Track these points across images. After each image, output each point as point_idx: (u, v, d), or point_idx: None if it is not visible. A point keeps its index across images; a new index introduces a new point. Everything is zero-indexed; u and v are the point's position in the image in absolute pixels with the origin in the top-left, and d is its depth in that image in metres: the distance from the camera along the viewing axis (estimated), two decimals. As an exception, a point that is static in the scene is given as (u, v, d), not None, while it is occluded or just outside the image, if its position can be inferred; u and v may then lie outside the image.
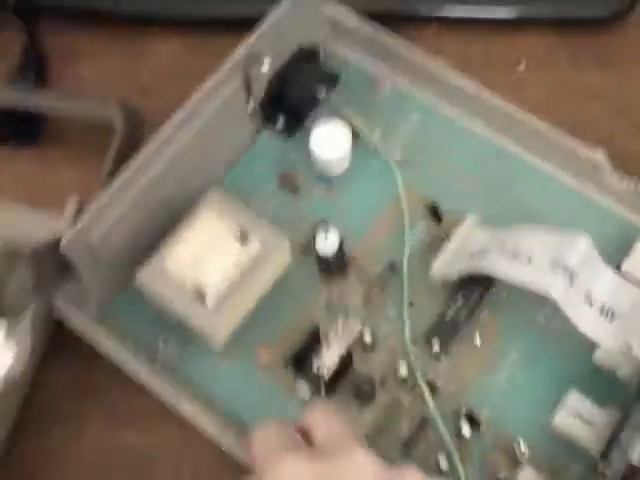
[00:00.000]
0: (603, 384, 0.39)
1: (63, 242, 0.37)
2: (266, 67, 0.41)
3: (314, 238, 0.42)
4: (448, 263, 0.42)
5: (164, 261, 0.40)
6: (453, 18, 0.52)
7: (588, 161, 0.44)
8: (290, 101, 0.46)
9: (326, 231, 0.41)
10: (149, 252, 0.41)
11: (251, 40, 0.41)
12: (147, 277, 0.40)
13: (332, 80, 0.48)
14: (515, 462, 0.38)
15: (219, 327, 0.39)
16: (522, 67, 0.52)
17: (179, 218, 0.42)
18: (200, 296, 0.40)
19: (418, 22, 0.52)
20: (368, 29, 0.48)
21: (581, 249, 0.37)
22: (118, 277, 0.42)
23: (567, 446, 0.38)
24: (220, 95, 0.42)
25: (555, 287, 0.37)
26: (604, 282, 0.38)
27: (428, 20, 0.52)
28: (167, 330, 0.42)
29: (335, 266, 0.42)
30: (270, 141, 0.47)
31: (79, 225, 0.38)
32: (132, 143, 0.46)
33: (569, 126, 0.45)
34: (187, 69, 0.51)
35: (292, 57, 0.46)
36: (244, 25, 0.43)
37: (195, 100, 0.40)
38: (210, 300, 0.39)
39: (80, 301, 0.42)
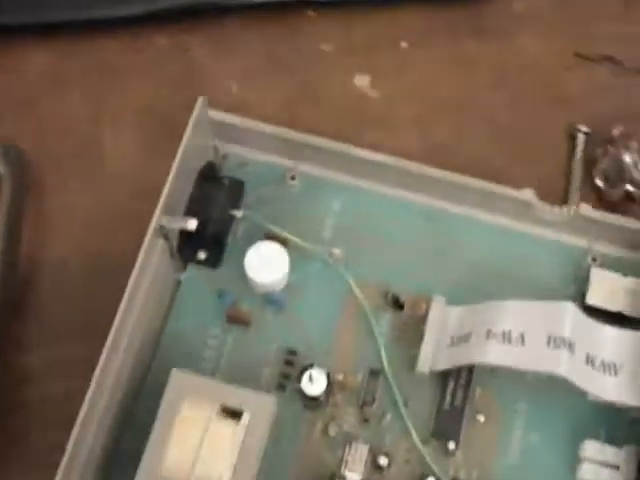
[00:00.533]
0: (610, 421, 0.40)
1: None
2: (193, 224, 0.37)
3: (297, 380, 0.39)
4: (432, 354, 0.41)
5: (156, 469, 0.36)
6: (327, 1, 0.50)
7: (518, 202, 0.44)
8: (207, 232, 0.42)
9: (310, 375, 0.38)
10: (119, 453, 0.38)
11: (161, 205, 0.37)
12: (142, 492, 0.36)
13: (239, 189, 0.45)
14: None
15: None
16: (405, 45, 0.50)
17: (140, 405, 0.40)
18: (206, 492, 0.36)
19: (293, 10, 0.50)
20: (258, 125, 0.44)
21: (570, 316, 0.37)
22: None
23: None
24: (148, 269, 0.38)
25: (560, 363, 0.37)
26: (599, 339, 0.38)
27: (301, 7, 0.50)
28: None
29: (324, 401, 0.40)
30: (199, 278, 0.44)
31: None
32: (20, 187, 0.44)
33: (455, 104, 0.46)
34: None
35: (195, 186, 0.42)
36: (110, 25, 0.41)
37: (128, 294, 0.36)
38: (223, 493, 0.36)
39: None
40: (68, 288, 0.45)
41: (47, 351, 0.44)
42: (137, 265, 0.36)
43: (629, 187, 0.46)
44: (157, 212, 0.37)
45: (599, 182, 0.47)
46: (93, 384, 0.34)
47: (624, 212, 0.45)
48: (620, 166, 0.46)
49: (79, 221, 0.47)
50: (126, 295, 0.36)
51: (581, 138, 0.48)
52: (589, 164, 0.48)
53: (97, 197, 0.47)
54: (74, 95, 0.50)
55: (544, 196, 0.44)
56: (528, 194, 0.43)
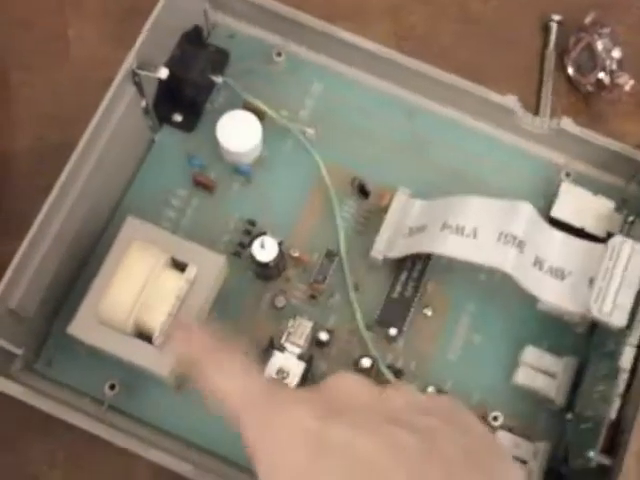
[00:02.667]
0: (555, 333, 0.41)
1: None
2: (164, 73, 0.37)
3: (250, 245, 0.39)
4: (387, 242, 0.41)
5: (96, 306, 0.37)
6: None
7: (500, 107, 0.43)
8: (184, 93, 0.42)
9: (262, 242, 0.38)
10: (74, 294, 0.39)
11: (137, 47, 0.37)
12: (80, 327, 0.37)
13: (223, 58, 0.44)
14: (489, 428, 0.39)
15: (171, 363, 0.37)
16: None
17: (97, 251, 0.40)
18: (142, 335, 0.37)
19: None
20: (250, -5, 0.44)
21: (525, 217, 0.37)
22: (45, 326, 0.39)
23: (533, 399, 0.40)
24: (116, 112, 0.38)
25: (507, 260, 0.37)
26: (551, 244, 0.38)
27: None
28: (110, 374, 0.39)
29: (274, 270, 0.40)
30: (173, 140, 0.44)
31: (-4, 296, 0.34)
32: None
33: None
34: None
35: (178, 46, 0.42)
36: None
37: (91, 129, 0.36)
38: (157, 339, 0.36)
39: (2, 360, 0.38)
40: (36, 177, 0.44)
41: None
42: (102, 105, 0.36)
43: (601, 74, 0.45)
44: (130, 55, 0.37)
45: (571, 71, 0.47)
46: (41, 215, 0.35)
47: (596, 100, 0.46)
48: (592, 53, 0.46)
49: (44, 112, 0.46)
50: (87, 131, 0.36)
51: (554, 27, 0.48)
52: (562, 54, 0.47)
53: (63, 88, 0.46)
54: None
55: (518, 89, 0.44)
56: (511, 101, 0.43)
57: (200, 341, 0.29)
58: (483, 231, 0.37)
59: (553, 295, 0.37)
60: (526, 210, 0.37)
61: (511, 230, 0.37)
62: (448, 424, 0.26)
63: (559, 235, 0.38)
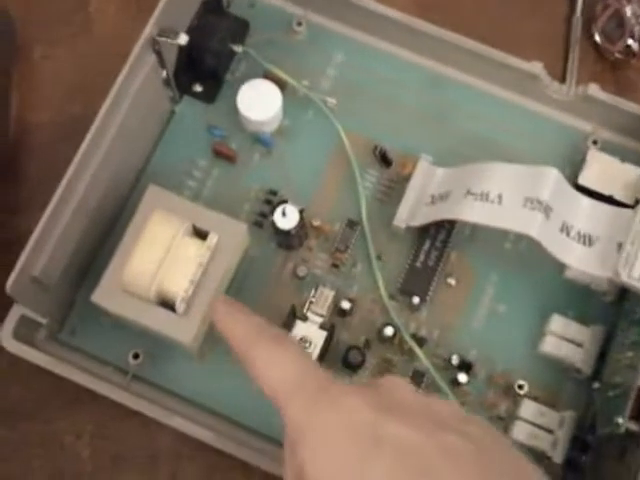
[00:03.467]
0: (582, 302, 0.40)
1: (8, 284, 0.34)
2: (184, 39, 0.37)
3: (271, 214, 0.39)
4: (410, 210, 0.40)
5: (119, 275, 0.37)
6: None
7: (525, 73, 0.42)
8: (205, 63, 0.42)
9: (284, 209, 0.38)
10: (98, 263, 0.39)
11: (157, 14, 0.37)
12: (104, 295, 0.37)
13: (243, 28, 0.44)
14: (514, 397, 0.39)
15: (193, 331, 0.37)
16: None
17: (120, 221, 0.40)
18: (166, 303, 0.37)
19: None
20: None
21: (552, 181, 0.37)
22: (68, 296, 0.39)
23: (558, 368, 0.39)
24: (136, 81, 0.38)
25: (533, 225, 0.36)
26: (578, 209, 0.37)
27: None
28: (133, 343, 0.39)
29: (296, 239, 0.40)
30: (193, 111, 0.44)
31: (19, 265, 0.34)
32: (6, 49, 0.44)
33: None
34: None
35: (197, 14, 0.42)
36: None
37: (112, 97, 0.36)
38: (179, 306, 0.36)
39: (27, 330, 0.38)
40: (58, 149, 0.44)
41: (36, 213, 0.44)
42: (122, 73, 0.36)
43: (630, 41, 0.45)
44: (149, 23, 0.37)
45: (599, 38, 0.46)
46: (63, 183, 0.35)
47: (624, 68, 0.45)
48: (621, 20, 0.45)
49: (67, 85, 0.46)
50: (108, 99, 0.36)
51: None
52: (589, 21, 0.46)
53: (85, 61, 0.46)
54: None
55: (543, 57, 0.43)
56: (537, 67, 0.42)
57: (249, 323, 0.29)
58: (508, 197, 0.37)
59: (580, 261, 0.36)
60: (552, 175, 0.37)
61: (537, 195, 0.36)
62: (489, 435, 0.26)
63: (586, 200, 0.38)
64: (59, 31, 0.47)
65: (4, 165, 0.45)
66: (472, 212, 0.37)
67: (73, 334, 0.40)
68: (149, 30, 0.37)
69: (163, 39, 0.37)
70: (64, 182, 0.35)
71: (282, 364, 0.28)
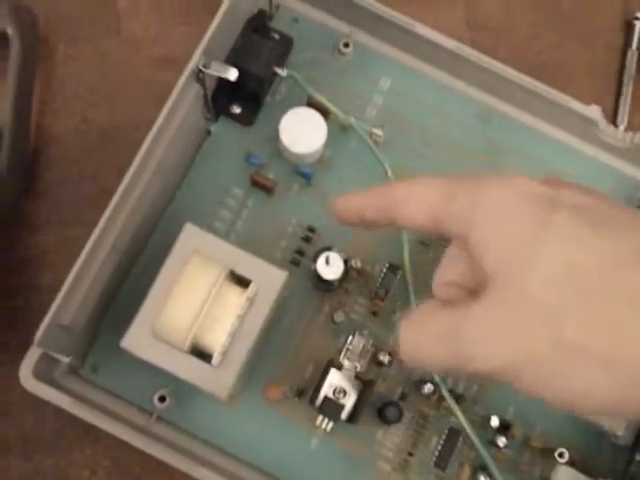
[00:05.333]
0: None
1: (37, 338, 0.32)
2: (234, 75, 0.34)
3: (314, 260, 0.37)
4: (455, 260, 0.38)
5: (153, 321, 0.35)
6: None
7: (583, 117, 0.40)
8: (246, 86, 0.39)
9: (327, 257, 0.36)
10: (121, 297, 0.37)
11: (203, 46, 0.34)
12: (134, 341, 0.35)
13: (286, 45, 0.41)
14: (549, 459, 0.38)
15: (229, 384, 0.35)
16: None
17: (145, 253, 0.38)
18: (199, 352, 0.35)
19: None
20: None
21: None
22: (91, 332, 0.38)
23: (597, 433, 0.38)
24: (179, 113, 0.35)
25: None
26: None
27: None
28: (158, 383, 0.37)
29: (337, 286, 0.38)
30: (230, 134, 0.41)
31: (48, 317, 0.32)
32: (30, 49, 0.41)
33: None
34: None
35: (241, 34, 0.39)
36: None
37: (153, 133, 0.34)
38: (216, 358, 0.35)
39: (47, 366, 0.36)
40: (80, 162, 0.42)
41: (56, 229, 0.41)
42: (168, 104, 0.33)
43: None
44: (197, 52, 0.34)
45: None
46: (99, 226, 0.32)
47: None
48: None
49: (91, 90, 0.43)
50: (151, 134, 0.33)
51: (638, 26, 0.44)
52: None
53: (112, 65, 0.43)
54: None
55: (594, 88, 0.41)
56: (595, 111, 0.40)
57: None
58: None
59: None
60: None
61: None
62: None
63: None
64: (85, 30, 0.44)
65: (23, 176, 0.42)
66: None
67: (95, 371, 0.38)
68: (196, 61, 0.34)
69: (211, 72, 0.34)
70: (100, 225, 0.33)
71: (427, 184, 0.27)
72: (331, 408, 0.37)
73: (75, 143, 0.43)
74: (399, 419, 0.38)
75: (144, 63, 0.43)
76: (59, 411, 0.37)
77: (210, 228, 0.39)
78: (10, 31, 0.40)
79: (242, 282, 0.36)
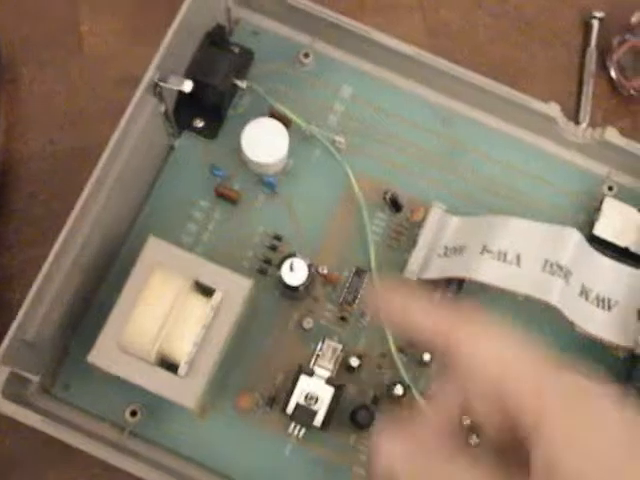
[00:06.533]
0: (594, 358, 0.39)
1: (0, 353, 0.32)
2: (188, 86, 0.35)
3: (278, 267, 0.37)
4: (421, 261, 0.39)
5: (118, 334, 0.35)
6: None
7: (543, 115, 0.41)
8: (207, 99, 0.40)
9: (291, 264, 0.36)
10: (91, 313, 0.37)
11: (158, 60, 0.34)
12: (100, 355, 0.35)
13: (247, 59, 0.42)
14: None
15: (197, 394, 0.35)
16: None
17: (114, 268, 0.39)
18: (166, 363, 0.35)
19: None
20: (277, -8, 0.41)
21: (572, 244, 0.35)
22: (61, 349, 0.38)
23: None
24: (137, 125, 0.36)
25: (554, 292, 0.35)
26: (598, 272, 0.36)
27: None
28: (130, 398, 0.37)
29: (303, 293, 0.38)
30: (194, 147, 0.41)
31: (10, 334, 0.32)
32: None
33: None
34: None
35: (200, 48, 0.39)
36: None
37: (111, 146, 0.34)
38: (182, 369, 0.35)
39: (17, 386, 0.36)
40: (48, 182, 0.42)
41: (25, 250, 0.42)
42: (124, 119, 0.34)
43: None
44: (151, 66, 0.34)
45: (614, 73, 0.44)
46: (59, 241, 0.33)
47: (638, 105, 0.43)
48: (637, 56, 0.43)
49: (57, 111, 0.43)
50: (107, 149, 0.34)
51: (595, 25, 0.45)
52: (603, 54, 0.45)
53: (76, 85, 0.44)
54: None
55: (555, 89, 0.41)
56: (554, 109, 0.40)
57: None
58: (527, 258, 0.35)
59: (601, 328, 0.35)
60: (573, 237, 0.35)
61: (557, 259, 0.35)
62: None
63: (607, 262, 0.36)
64: (49, 52, 0.44)
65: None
66: (489, 273, 0.36)
67: (67, 389, 0.38)
68: (151, 75, 0.34)
69: (167, 85, 0.34)
70: (60, 240, 0.33)
71: (494, 345, 0.24)
72: (303, 415, 0.37)
73: (41, 164, 0.43)
74: (371, 423, 0.37)
75: (107, 83, 0.44)
76: (33, 431, 0.37)
77: (177, 241, 0.39)
78: None
79: (207, 292, 0.36)
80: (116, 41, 0.44)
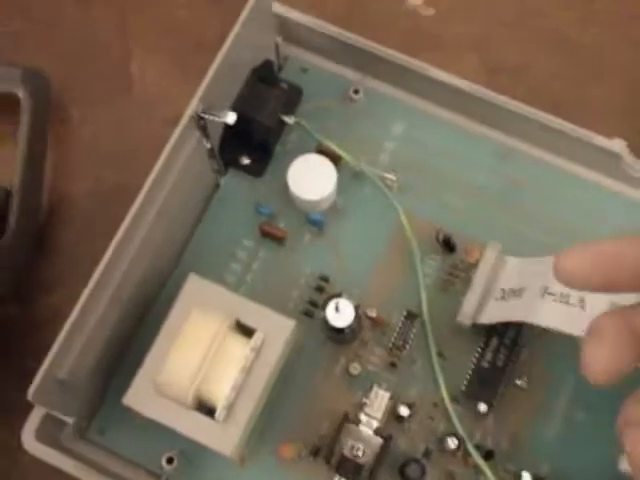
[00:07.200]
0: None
1: (30, 392, 0.31)
2: (232, 118, 0.33)
3: (323, 307, 0.35)
4: (477, 304, 0.36)
5: (154, 376, 0.33)
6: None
7: (605, 151, 0.38)
8: (253, 136, 0.39)
9: (337, 304, 0.34)
10: (131, 354, 0.36)
11: (202, 89, 0.33)
12: (136, 398, 0.33)
13: (295, 96, 0.41)
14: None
15: (235, 441, 0.33)
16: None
17: (155, 308, 0.37)
18: (204, 408, 0.33)
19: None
20: (326, 27, 0.40)
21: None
22: (98, 391, 0.36)
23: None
24: (179, 158, 0.35)
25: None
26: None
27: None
28: (167, 444, 0.36)
29: (350, 336, 0.36)
30: (240, 185, 0.40)
31: (43, 370, 0.31)
32: (41, 112, 0.41)
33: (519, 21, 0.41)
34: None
35: (246, 83, 0.38)
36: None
37: (153, 177, 0.33)
38: (220, 414, 0.33)
39: (51, 428, 0.35)
40: (94, 221, 0.42)
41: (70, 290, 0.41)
42: (165, 152, 0.33)
43: None
44: (195, 98, 0.33)
45: None
46: (97, 275, 0.31)
47: None
48: None
49: (105, 151, 0.43)
50: (148, 182, 0.33)
51: None
52: None
53: (125, 125, 0.43)
54: (98, 11, 0.46)
55: (621, 127, 0.39)
56: (618, 145, 0.38)
57: None
58: (592, 302, 0.32)
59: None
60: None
61: (625, 300, 0.32)
62: None
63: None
64: (98, 92, 0.44)
65: (36, 237, 0.42)
66: (551, 317, 0.33)
67: (102, 433, 0.37)
68: (194, 107, 0.33)
69: (209, 117, 0.33)
70: (98, 272, 0.32)
71: None
72: (349, 467, 0.35)
73: (88, 203, 0.42)
74: (422, 478, 0.35)
75: (156, 123, 0.43)
76: (66, 477, 0.36)
77: (220, 281, 0.38)
78: (21, 94, 0.40)
79: (248, 332, 0.34)
80: (166, 81, 0.44)
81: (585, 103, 0.43)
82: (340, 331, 0.35)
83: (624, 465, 0.34)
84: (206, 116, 0.33)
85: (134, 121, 0.44)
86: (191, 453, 0.36)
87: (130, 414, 0.34)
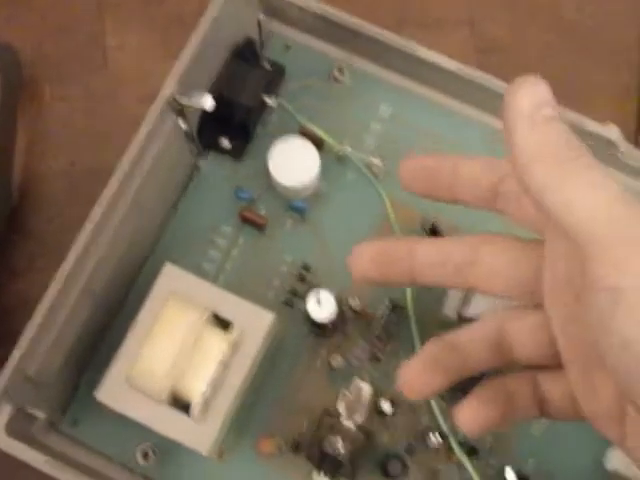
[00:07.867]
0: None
1: (1, 386, 0.29)
2: (210, 103, 0.32)
3: (304, 298, 0.34)
4: (463, 297, 0.35)
5: (128, 370, 0.32)
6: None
7: (598, 137, 0.37)
8: (234, 117, 0.37)
9: (318, 297, 0.33)
10: (104, 345, 0.35)
11: (177, 72, 0.32)
12: (109, 393, 0.32)
13: (278, 75, 0.39)
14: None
15: (211, 439, 0.32)
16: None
17: (129, 297, 0.36)
18: (179, 404, 0.32)
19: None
20: (310, 2, 0.38)
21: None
22: (70, 383, 0.35)
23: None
24: (155, 143, 0.33)
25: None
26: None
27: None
28: (142, 436, 0.34)
29: (331, 329, 0.35)
30: (219, 169, 0.38)
31: (10, 366, 0.29)
32: (10, 88, 0.39)
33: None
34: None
35: (227, 63, 0.37)
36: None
37: (127, 162, 0.31)
38: (195, 409, 0.32)
39: (23, 422, 0.34)
40: (67, 203, 0.40)
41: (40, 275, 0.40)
42: (140, 135, 0.31)
43: None
44: (170, 80, 0.31)
45: None
46: (67, 265, 0.30)
47: None
48: None
49: (78, 130, 0.41)
50: (122, 166, 0.31)
51: None
52: None
53: (99, 103, 0.42)
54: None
55: (615, 110, 0.38)
56: (613, 131, 0.36)
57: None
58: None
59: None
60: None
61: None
62: None
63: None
64: (71, 68, 0.42)
65: (6, 218, 0.40)
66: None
67: (75, 425, 0.36)
68: (170, 88, 0.32)
69: (185, 101, 0.31)
70: (68, 263, 0.31)
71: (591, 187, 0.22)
72: (329, 462, 0.34)
73: (61, 184, 0.41)
74: (403, 474, 0.34)
75: (131, 101, 0.41)
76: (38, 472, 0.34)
77: (198, 269, 0.36)
78: None
79: (226, 326, 0.33)
80: (143, 57, 0.42)
81: (578, 86, 0.41)
82: (322, 325, 0.34)
83: (611, 464, 0.34)
84: (182, 101, 0.32)
85: (109, 98, 0.42)
86: (167, 446, 0.35)
87: (104, 406, 0.33)
